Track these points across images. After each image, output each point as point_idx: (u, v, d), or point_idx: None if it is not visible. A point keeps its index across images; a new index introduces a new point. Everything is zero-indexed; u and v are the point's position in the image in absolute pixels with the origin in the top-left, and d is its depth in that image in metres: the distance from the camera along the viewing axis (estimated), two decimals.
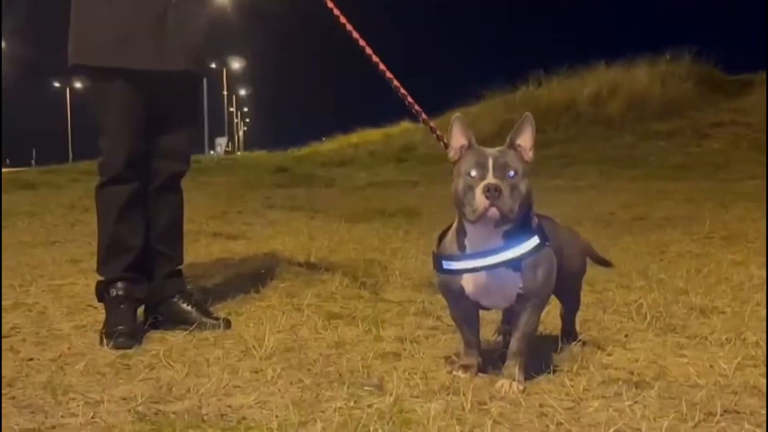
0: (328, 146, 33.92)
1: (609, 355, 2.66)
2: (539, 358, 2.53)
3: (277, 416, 2.04)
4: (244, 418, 2.05)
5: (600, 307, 3.43)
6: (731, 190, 9.37)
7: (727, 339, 2.85)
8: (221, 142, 58.33)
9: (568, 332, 2.83)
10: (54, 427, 2.01)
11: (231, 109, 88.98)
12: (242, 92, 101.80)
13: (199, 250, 5.12)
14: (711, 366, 2.52)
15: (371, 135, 28.73)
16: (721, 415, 2.07)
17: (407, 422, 1.99)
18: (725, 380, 2.38)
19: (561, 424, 2.02)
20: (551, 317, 3.04)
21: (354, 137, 31.38)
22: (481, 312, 2.51)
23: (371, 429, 1.93)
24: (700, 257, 4.96)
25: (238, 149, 74.58)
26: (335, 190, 11.91)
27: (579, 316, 3.11)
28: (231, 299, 3.52)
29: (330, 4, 2.95)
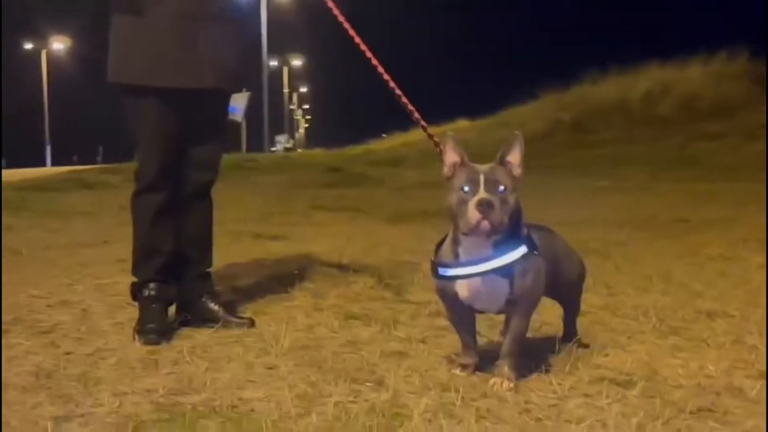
0: (384, 144, 34.20)
1: (605, 356, 2.80)
2: (536, 358, 2.70)
3: (280, 409, 2.24)
4: (252, 410, 2.26)
5: (610, 310, 3.56)
6: None
7: (724, 342, 2.97)
8: (281, 139, 58.97)
9: (569, 334, 2.98)
10: (82, 416, 2.23)
11: (291, 107, 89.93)
12: (303, 89, 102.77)
13: (240, 250, 5.35)
14: (701, 368, 2.65)
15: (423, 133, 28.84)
16: (693, 413, 2.22)
17: (397, 416, 2.18)
18: (709, 381, 2.51)
19: (540, 419, 2.19)
20: (554, 317, 3.19)
21: (410, 135, 31.56)
22: (491, 314, 2.69)
23: (361, 421, 2.12)
24: (729, 260, 5.04)
25: (299, 147, 75.34)
26: (384, 190, 12.11)
27: (587, 319, 3.27)
28: (260, 299, 3.74)
29: (335, 12, 3.16)
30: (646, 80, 17.90)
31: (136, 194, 3.21)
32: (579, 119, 17.19)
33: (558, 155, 15.20)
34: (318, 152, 35.97)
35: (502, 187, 2.36)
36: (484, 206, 2.31)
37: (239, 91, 3.43)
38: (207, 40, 3.14)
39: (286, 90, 76.35)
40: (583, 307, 3.37)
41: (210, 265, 3.39)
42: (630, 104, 17.34)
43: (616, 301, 3.73)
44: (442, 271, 2.51)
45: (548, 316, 3.22)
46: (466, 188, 2.36)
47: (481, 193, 2.33)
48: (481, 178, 2.36)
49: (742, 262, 4.90)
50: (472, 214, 2.32)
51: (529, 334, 2.96)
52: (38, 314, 3.44)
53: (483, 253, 2.42)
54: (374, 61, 3.07)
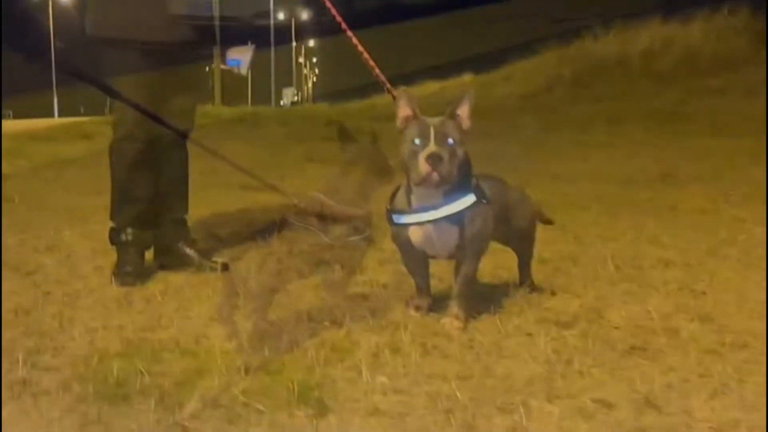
0: (388, 99, 34.12)
1: (556, 300, 2.93)
2: (488, 300, 2.84)
3: (237, 343, 2.40)
4: (213, 345, 2.42)
5: (573, 258, 3.67)
6: None
7: (675, 288, 3.09)
8: (288, 92, 58.73)
9: (523, 280, 3.11)
10: (55, 348, 2.40)
11: (300, 60, 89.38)
12: (311, 43, 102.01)
13: (226, 200, 5.49)
14: (644, 311, 2.77)
15: (429, 87, 28.82)
16: (624, 351, 2.36)
17: (345, 350, 2.34)
18: (649, 323, 2.63)
19: (480, 355, 2.34)
20: (513, 264, 3.30)
21: (414, 90, 31.48)
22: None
23: (309, 354, 2.28)
24: (706, 214, 5.09)
25: (307, 100, 74.97)
26: (379, 144, 12.16)
27: (548, 266, 3.40)
28: (237, 245, 3.89)
29: None
30: (648, 35, 17.80)
31: (114, 143, 3.35)
32: (579, 74, 17.13)
33: (557, 110, 15.18)
34: (322, 106, 35.91)
35: (451, 140, 2.49)
36: (434, 159, 2.44)
37: (213, 44, 3.55)
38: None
39: (294, 43, 75.83)
40: (547, 255, 3.52)
41: (186, 211, 3.53)
42: (630, 60, 17.23)
43: (580, 251, 3.82)
44: (396, 218, 2.65)
45: (508, 262, 3.33)
46: (417, 141, 2.49)
47: (431, 147, 2.46)
48: (432, 131, 2.48)
49: (716, 216, 4.96)
50: (423, 166, 2.46)
51: (486, 279, 3.13)
52: (24, 257, 3.60)
53: (434, 201, 2.56)
54: (338, 18, 3.18)
